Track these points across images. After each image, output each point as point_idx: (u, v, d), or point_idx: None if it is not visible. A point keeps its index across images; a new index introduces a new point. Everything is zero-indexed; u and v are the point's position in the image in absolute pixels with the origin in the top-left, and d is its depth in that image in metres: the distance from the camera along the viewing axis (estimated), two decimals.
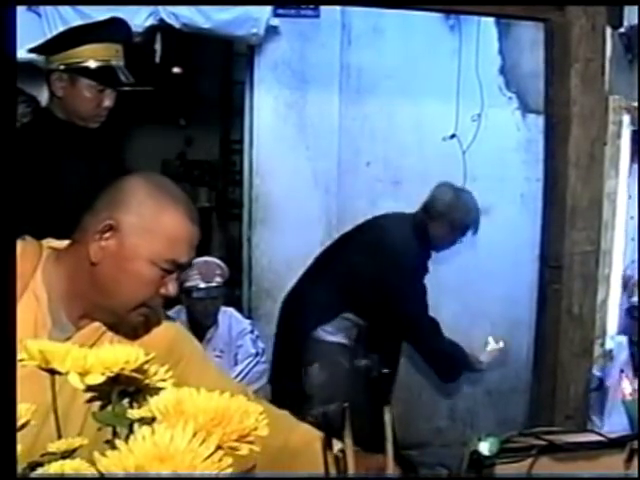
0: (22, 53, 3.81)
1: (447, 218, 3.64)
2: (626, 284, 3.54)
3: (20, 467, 0.88)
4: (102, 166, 2.71)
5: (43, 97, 3.95)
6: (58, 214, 2.47)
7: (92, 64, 2.61)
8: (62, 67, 2.63)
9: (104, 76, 2.63)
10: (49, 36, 3.57)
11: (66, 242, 1.55)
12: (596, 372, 3.19)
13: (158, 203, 1.47)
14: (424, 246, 3.68)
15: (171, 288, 1.50)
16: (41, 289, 1.47)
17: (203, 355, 1.74)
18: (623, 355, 3.43)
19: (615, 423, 2.88)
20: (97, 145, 2.75)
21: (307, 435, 1.61)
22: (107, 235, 1.45)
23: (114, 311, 1.49)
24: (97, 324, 1.51)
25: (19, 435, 0.89)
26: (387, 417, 1.40)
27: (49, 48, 2.67)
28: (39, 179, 2.49)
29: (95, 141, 2.73)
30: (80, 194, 2.58)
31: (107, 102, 2.65)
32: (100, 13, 3.82)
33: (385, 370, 3.42)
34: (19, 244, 1.50)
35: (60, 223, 2.39)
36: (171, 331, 1.60)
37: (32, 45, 3.86)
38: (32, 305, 1.45)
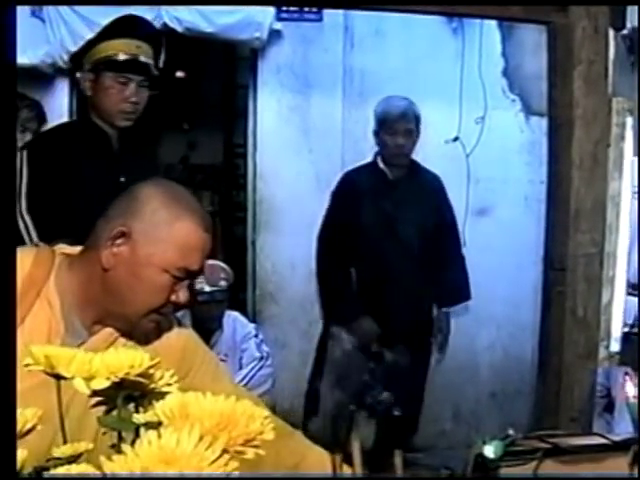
0: (25, 58, 3.84)
1: (374, 117, 3.78)
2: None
3: (26, 472, 0.88)
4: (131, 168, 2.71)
5: (46, 102, 3.97)
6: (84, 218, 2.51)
7: (120, 57, 2.63)
8: (88, 66, 2.67)
9: (128, 67, 2.64)
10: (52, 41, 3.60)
11: (79, 248, 1.56)
12: (603, 380, 3.17)
13: (171, 211, 1.47)
14: (372, 170, 3.82)
15: (182, 295, 1.50)
16: (54, 296, 1.48)
17: (216, 363, 1.74)
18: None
19: (623, 425, 2.88)
20: (126, 148, 2.76)
21: (322, 457, 1.58)
22: (119, 242, 1.46)
23: (126, 317, 1.50)
24: (110, 330, 1.51)
25: (29, 441, 0.89)
26: (397, 460, 1.39)
27: (79, 52, 2.72)
28: (68, 182, 2.52)
29: (124, 144, 2.75)
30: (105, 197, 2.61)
31: (132, 97, 2.65)
32: (105, 17, 3.84)
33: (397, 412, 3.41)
34: (32, 251, 1.52)
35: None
36: (182, 338, 1.61)
37: (36, 50, 3.89)
38: (46, 312, 1.46)
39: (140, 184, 1.55)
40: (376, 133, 3.76)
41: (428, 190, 3.80)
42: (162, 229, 1.46)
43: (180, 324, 1.66)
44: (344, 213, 3.79)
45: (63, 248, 1.57)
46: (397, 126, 3.67)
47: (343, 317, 3.45)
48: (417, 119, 3.72)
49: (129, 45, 2.67)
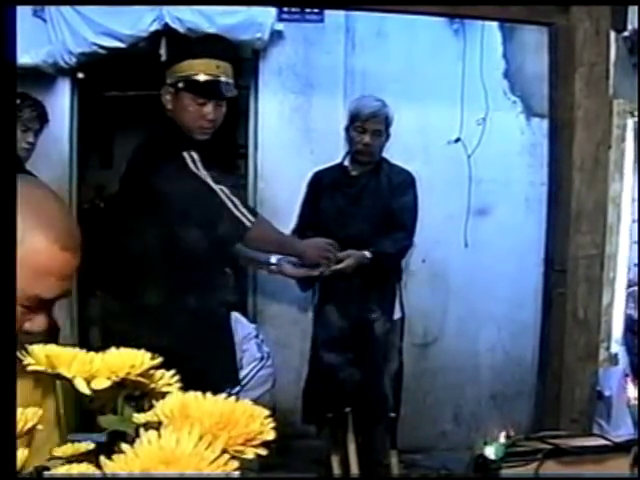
0: (27, 58, 3.84)
1: (347, 114, 3.80)
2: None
3: (27, 471, 0.88)
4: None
5: (48, 101, 3.97)
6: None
7: (201, 77, 2.74)
8: (170, 81, 2.76)
9: (207, 89, 2.75)
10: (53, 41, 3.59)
11: None
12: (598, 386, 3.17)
13: (21, 224, 1.15)
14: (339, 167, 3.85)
15: (37, 324, 1.23)
16: None
17: None
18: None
19: (620, 427, 2.88)
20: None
21: None
22: None
23: None
24: None
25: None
26: (394, 460, 1.40)
27: (163, 65, 2.84)
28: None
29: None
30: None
31: (210, 115, 2.76)
32: (106, 18, 3.85)
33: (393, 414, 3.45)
34: None
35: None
36: None
37: (38, 50, 3.90)
38: None
39: None
40: (346, 129, 3.80)
41: (391, 186, 3.79)
42: None
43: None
44: (306, 209, 3.86)
45: None
46: (366, 125, 3.69)
47: None
48: (388, 121, 3.72)
49: (209, 65, 2.76)
